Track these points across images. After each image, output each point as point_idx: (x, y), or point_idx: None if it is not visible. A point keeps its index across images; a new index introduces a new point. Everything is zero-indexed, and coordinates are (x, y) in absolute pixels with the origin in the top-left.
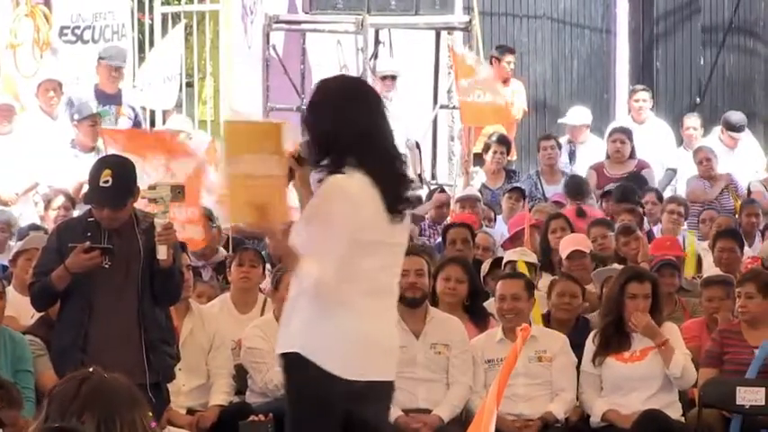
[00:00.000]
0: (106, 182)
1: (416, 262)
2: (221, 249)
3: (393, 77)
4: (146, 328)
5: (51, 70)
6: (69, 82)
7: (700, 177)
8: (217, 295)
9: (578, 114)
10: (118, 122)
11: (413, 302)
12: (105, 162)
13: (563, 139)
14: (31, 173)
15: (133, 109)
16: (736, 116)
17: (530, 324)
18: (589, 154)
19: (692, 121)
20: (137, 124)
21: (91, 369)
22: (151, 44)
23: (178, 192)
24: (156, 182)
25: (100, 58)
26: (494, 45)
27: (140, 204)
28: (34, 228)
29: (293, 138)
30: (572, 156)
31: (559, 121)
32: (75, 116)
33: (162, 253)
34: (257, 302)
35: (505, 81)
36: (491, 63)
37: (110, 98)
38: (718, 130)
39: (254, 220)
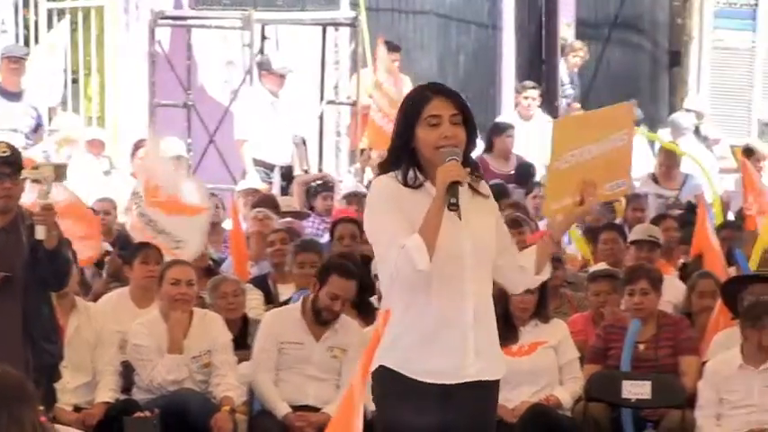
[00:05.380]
0: (4, 152)
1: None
2: (102, 244)
3: (282, 75)
4: (28, 327)
5: None
6: None
7: None
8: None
9: None
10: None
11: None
12: None
13: None
14: None
15: (36, 109)
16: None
17: None
18: None
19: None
20: (38, 125)
21: None
22: (36, 40)
23: (61, 172)
24: (40, 162)
25: (1, 54)
26: None
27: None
28: None
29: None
30: None
31: None
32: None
33: (40, 233)
34: (155, 298)
35: None
36: (375, 59)
37: (12, 96)
38: None
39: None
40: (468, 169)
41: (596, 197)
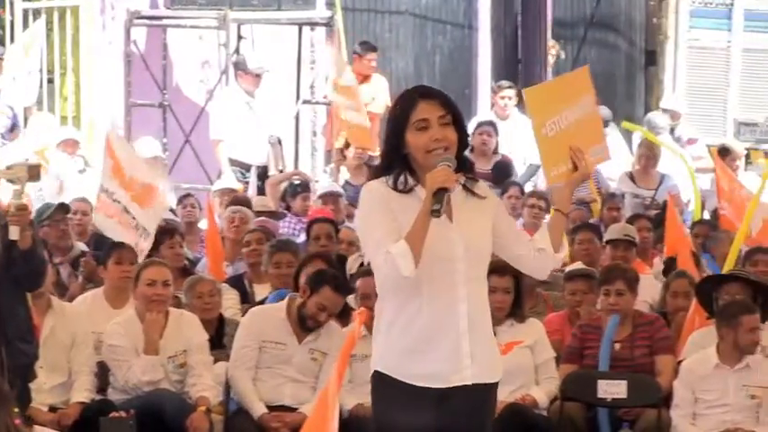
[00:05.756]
0: None
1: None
2: (78, 244)
3: (258, 75)
4: (3, 327)
5: None
6: None
7: None
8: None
9: None
10: None
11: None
12: None
13: None
14: None
15: (12, 108)
16: (603, 111)
17: None
18: None
19: None
20: (14, 125)
21: None
22: (12, 40)
23: (35, 173)
24: (13, 163)
25: None
26: (356, 41)
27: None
28: None
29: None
30: None
31: None
32: None
33: (14, 233)
34: (130, 298)
35: (367, 77)
36: (353, 59)
37: None
38: None
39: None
40: (461, 173)
41: (588, 162)
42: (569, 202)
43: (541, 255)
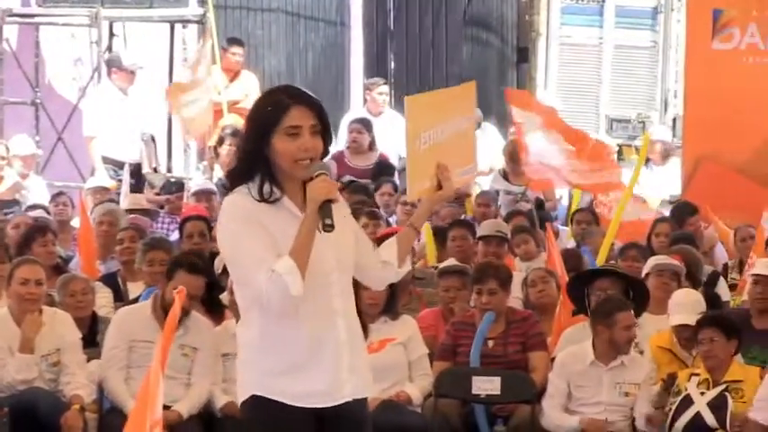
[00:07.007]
0: None
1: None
2: None
3: (133, 71)
4: None
5: None
6: None
7: None
8: None
9: None
10: None
11: None
12: None
13: None
14: None
15: None
16: (476, 112)
17: None
18: None
19: None
20: None
21: None
22: None
23: None
24: None
25: None
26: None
27: None
28: None
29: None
30: None
31: None
32: None
33: None
34: (3, 297)
35: (236, 74)
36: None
37: None
38: None
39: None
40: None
41: (452, 182)
42: (424, 220)
43: (385, 267)
